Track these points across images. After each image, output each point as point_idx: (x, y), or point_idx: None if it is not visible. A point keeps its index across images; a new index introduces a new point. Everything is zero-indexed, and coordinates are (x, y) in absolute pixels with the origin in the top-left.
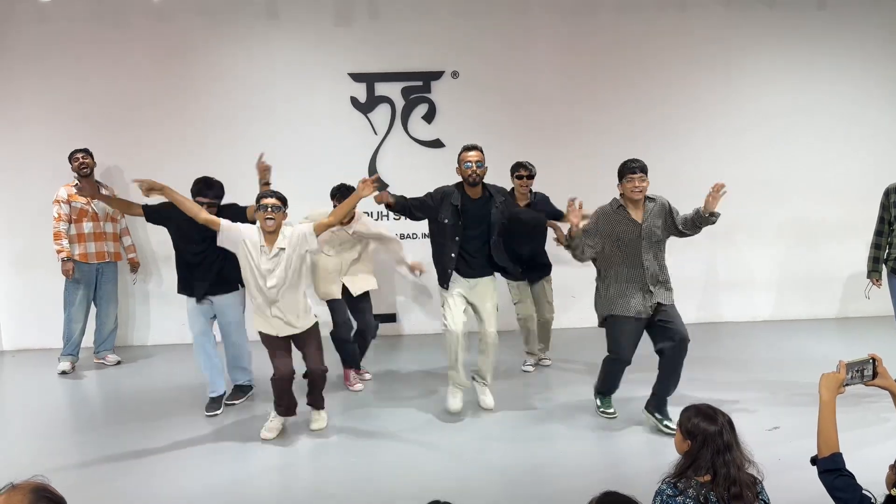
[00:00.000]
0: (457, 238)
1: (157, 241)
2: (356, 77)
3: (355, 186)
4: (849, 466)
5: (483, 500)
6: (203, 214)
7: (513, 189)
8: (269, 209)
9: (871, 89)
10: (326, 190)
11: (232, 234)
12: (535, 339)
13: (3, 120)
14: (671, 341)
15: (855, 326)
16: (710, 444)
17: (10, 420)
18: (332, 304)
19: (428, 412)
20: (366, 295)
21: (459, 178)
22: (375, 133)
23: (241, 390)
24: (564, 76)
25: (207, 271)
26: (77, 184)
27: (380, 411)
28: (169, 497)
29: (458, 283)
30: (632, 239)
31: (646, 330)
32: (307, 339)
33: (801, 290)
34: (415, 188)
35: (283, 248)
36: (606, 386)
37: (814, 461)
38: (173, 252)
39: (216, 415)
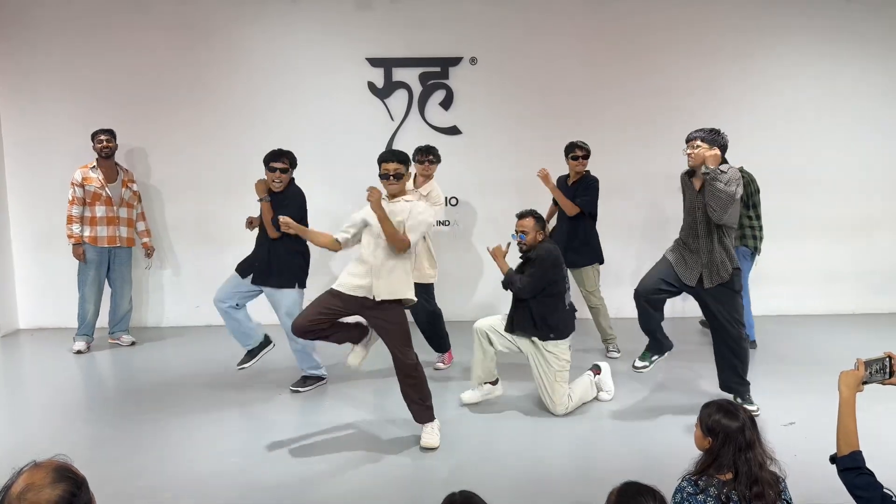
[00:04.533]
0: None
1: (173, 227)
2: (374, 62)
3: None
4: (869, 465)
5: (502, 490)
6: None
7: (566, 175)
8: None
9: None
10: (342, 175)
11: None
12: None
13: (23, 100)
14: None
15: (875, 323)
16: (731, 441)
17: (28, 398)
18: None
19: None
20: None
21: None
22: (392, 119)
23: (307, 379)
24: (584, 64)
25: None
26: (94, 165)
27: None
28: (182, 477)
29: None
30: (695, 204)
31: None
32: None
33: (823, 285)
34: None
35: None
36: (647, 333)
37: (833, 459)
38: (190, 235)
39: (244, 367)
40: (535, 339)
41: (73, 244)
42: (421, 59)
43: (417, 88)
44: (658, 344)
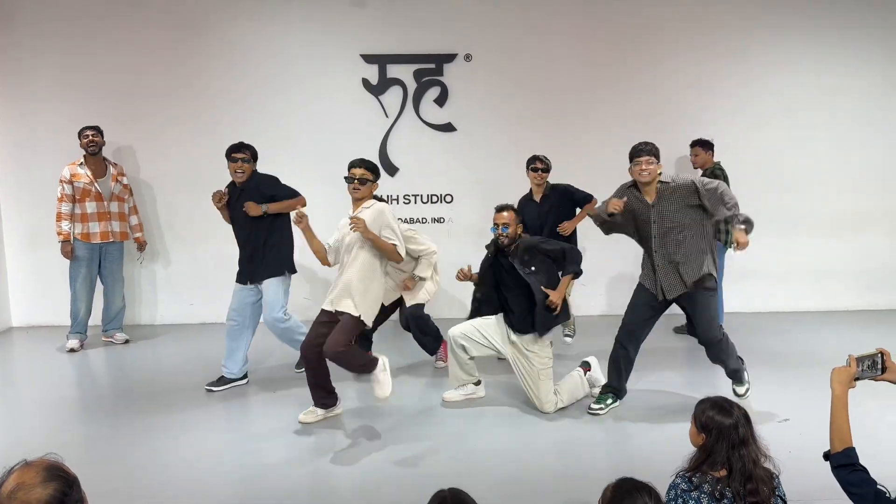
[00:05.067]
0: (500, 294)
1: (167, 225)
2: (368, 58)
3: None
4: (862, 461)
5: (492, 488)
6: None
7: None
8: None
9: (894, 80)
10: (337, 172)
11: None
12: None
13: (14, 97)
14: (699, 340)
15: (868, 319)
16: (725, 437)
17: (20, 397)
18: None
19: (431, 399)
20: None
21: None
22: (387, 116)
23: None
24: (579, 61)
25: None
26: (82, 161)
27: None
28: (176, 475)
29: (499, 325)
30: (644, 220)
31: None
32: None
33: (816, 282)
34: (425, 171)
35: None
36: (609, 377)
37: (827, 456)
38: (184, 233)
39: (210, 391)
40: (514, 339)
41: (62, 241)
42: (415, 55)
43: (412, 85)
44: (620, 388)
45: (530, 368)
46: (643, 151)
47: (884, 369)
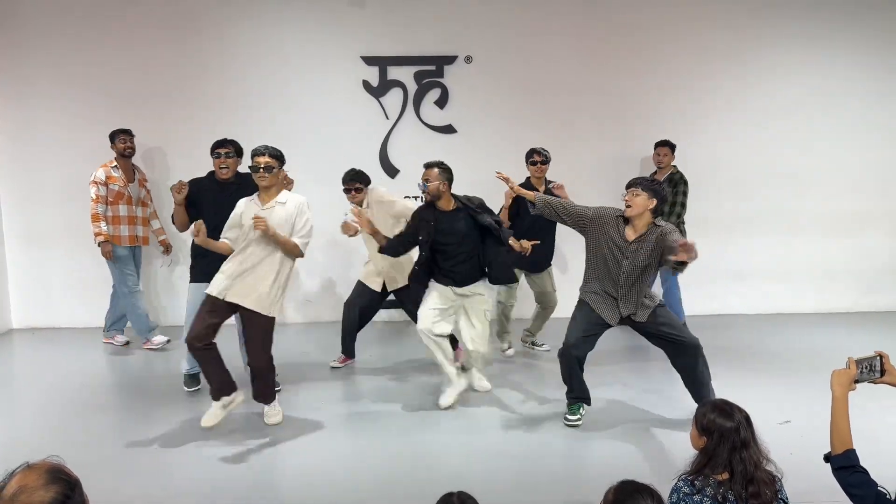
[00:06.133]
0: (430, 251)
1: (165, 221)
2: (369, 60)
3: (364, 171)
4: (863, 463)
5: (498, 490)
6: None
7: (528, 177)
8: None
9: (892, 81)
10: (337, 174)
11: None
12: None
13: (13, 97)
14: (684, 356)
15: (868, 321)
16: (726, 440)
17: (21, 399)
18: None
19: (426, 400)
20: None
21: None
22: (387, 117)
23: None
24: (579, 62)
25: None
26: (115, 164)
27: (385, 397)
28: (178, 477)
29: (440, 290)
30: (615, 251)
31: (654, 341)
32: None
33: (816, 283)
34: None
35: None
36: (571, 387)
37: (827, 458)
38: (185, 234)
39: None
40: (461, 291)
41: (102, 242)
42: (416, 57)
43: (412, 87)
44: (584, 393)
45: (478, 308)
46: (631, 183)
47: (883, 372)
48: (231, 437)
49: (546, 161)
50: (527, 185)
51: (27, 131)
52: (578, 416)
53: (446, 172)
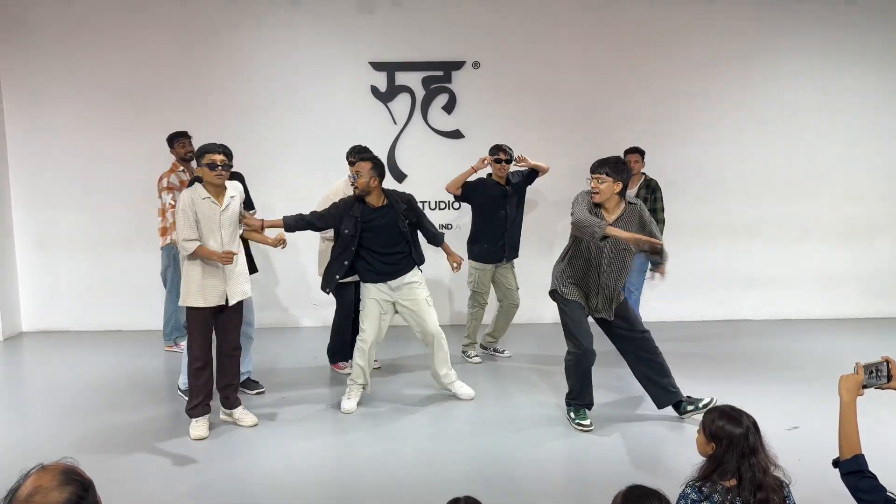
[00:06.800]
0: (353, 248)
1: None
2: (377, 66)
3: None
4: (872, 468)
5: (503, 494)
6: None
7: (490, 174)
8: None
9: None
10: (344, 178)
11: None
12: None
13: (26, 102)
14: (634, 345)
15: (877, 327)
16: (735, 447)
17: (33, 401)
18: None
19: (435, 404)
20: None
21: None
22: (395, 123)
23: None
24: (587, 68)
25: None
26: (183, 168)
27: (391, 398)
28: (191, 480)
29: (372, 290)
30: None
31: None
32: None
33: (824, 289)
34: (434, 179)
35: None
36: (580, 393)
37: (836, 463)
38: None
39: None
40: (396, 285)
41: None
42: (424, 63)
43: (420, 92)
44: (590, 398)
45: (418, 300)
46: (595, 169)
47: (890, 377)
48: (241, 441)
49: (509, 160)
50: (488, 180)
51: (40, 136)
52: (589, 420)
53: (378, 168)
